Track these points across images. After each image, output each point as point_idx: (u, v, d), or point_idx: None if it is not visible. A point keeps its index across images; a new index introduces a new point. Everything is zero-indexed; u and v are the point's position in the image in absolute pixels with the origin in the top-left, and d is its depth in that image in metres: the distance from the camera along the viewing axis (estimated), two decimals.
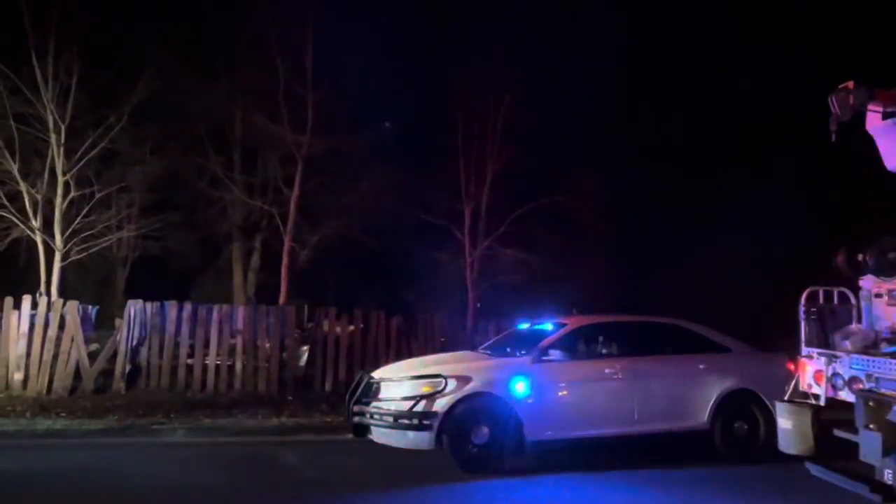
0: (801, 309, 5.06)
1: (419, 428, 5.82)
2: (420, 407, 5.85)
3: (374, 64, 13.02)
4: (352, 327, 10.62)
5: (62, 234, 11.86)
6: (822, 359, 4.77)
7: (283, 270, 13.65)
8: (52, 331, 9.24)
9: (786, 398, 5.00)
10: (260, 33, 13.17)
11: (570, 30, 13.71)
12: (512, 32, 13.11)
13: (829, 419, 4.58)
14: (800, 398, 4.93)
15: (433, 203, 13.83)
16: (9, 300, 9.29)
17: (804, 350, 5.02)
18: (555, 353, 6.42)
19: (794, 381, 5.06)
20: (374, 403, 6.11)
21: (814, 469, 4.59)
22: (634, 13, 15.19)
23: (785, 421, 4.81)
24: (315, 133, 13.12)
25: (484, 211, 13.87)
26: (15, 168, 11.49)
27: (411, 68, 13.76)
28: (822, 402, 4.71)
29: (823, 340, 4.97)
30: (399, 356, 9.93)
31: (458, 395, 5.91)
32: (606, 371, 6.40)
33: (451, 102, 13.43)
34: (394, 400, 6.03)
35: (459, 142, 13.66)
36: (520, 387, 6.06)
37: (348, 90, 13.08)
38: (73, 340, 9.24)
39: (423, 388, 5.97)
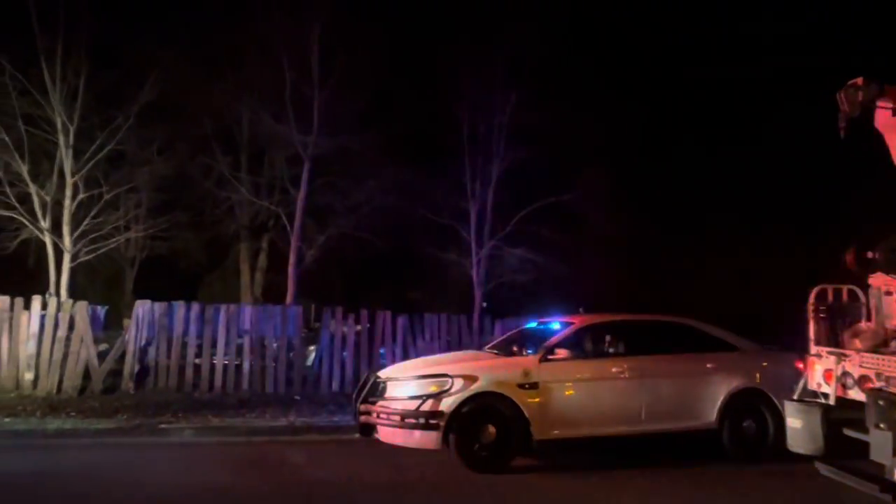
0: (810, 307, 5.03)
1: (426, 427, 5.82)
2: (426, 406, 5.85)
3: (379, 63, 13.04)
4: (358, 327, 10.64)
5: (71, 234, 11.96)
6: (832, 358, 4.73)
7: (290, 270, 13.70)
8: (62, 331, 9.31)
9: (795, 397, 4.96)
10: (266, 34, 13.20)
11: (577, 27, 13.68)
12: (518, 31, 13.07)
13: (838, 418, 4.54)
14: (809, 397, 4.90)
15: (439, 202, 13.83)
16: (19, 301, 9.38)
17: (813, 349, 4.98)
18: (561, 352, 6.41)
19: (802, 381, 5.03)
20: (381, 403, 6.12)
21: (823, 468, 4.56)
22: (640, 10, 15.13)
23: (794, 420, 4.78)
24: (321, 133, 13.15)
25: (490, 210, 13.86)
26: (25, 170, 11.60)
27: (417, 67, 13.76)
28: (831, 402, 4.67)
29: (833, 339, 4.93)
30: (406, 355, 9.95)
31: (465, 394, 5.91)
32: (613, 370, 6.38)
33: (457, 101, 13.42)
34: (400, 399, 6.03)
35: (465, 141, 13.65)
36: (527, 386, 6.05)
37: (354, 89, 13.10)
38: (82, 341, 9.32)
39: (430, 387, 5.97)
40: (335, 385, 10.08)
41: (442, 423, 5.80)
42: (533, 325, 7.64)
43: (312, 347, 10.73)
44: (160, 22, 12.92)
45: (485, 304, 13.94)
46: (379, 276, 18.15)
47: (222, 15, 13.51)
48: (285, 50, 12.95)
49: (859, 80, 4.55)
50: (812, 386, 4.92)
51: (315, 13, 12.77)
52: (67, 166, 11.84)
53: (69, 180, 11.86)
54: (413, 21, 13.62)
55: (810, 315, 5.02)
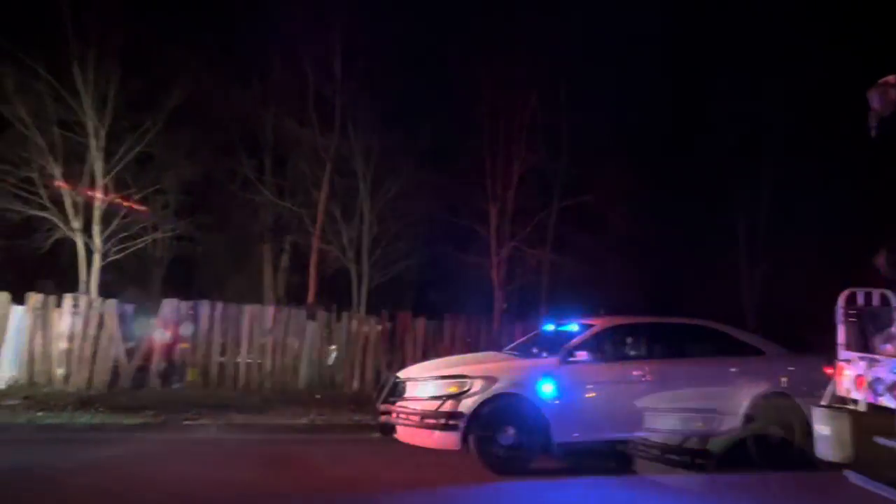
0: (840, 311, 4.90)
1: (445, 428, 5.83)
2: (446, 407, 5.86)
3: (400, 66, 13.13)
4: (379, 327, 10.71)
5: (101, 234, 12.28)
6: (862, 363, 4.60)
7: (312, 271, 13.85)
8: (92, 329, 9.57)
9: (823, 403, 4.84)
10: (290, 40, 13.40)
11: (598, 26, 13.53)
12: (538, 30, 13.02)
13: (868, 425, 4.42)
14: (838, 403, 4.78)
15: (460, 204, 13.85)
16: (52, 299, 9.67)
17: (842, 354, 4.85)
18: (582, 355, 6.36)
19: (831, 386, 4.90)
20: (401, 403, 6.15)
21: (853, 477, 4.43)
22: (665, 8, 14.90)
23: (822, 427, 4.66)
24: (342, 136, 13.29)
25: (510, 211, 13.82)
26: (58, 172, 11.96)
27: (437, 69, 13.79)
28: (861, 408, 4.55)
29: (863, 344, 4.80)
30: (426, 356, 9.97)
31: (485, 395, 5.91)
32: (634, 373, 6.31)
33: (477, 102, 13.43)
34: (420, 400, 6.06)
35: (486, 142, 13.64)
36: (546, 388, 6.03)
37: (375, 93, 13.21)
38: (111, 338, 9.56)
39: (449, 388, 5.98)
40: (356, 384, 10.16)
41: (461, 424, 5.81)
42: (553, 326, 7.59)
43: (333, 347, 10.84)
44: (189, 30, 13.19)
45: (505, 306, 13.89)
46: (399, 276, 18.19)
47: (249, 22, 13.76)
48: (308, 54, 13.12)
49: (891, 78, 4.42)
50: (841, 392, 4.78)
51: (336, 16, 12.92)
52: (98, 168, 12.16)
53: (100, 182, 12.18)
54: (433, 22, 13.66)
55: (840, 319, 4.90)
